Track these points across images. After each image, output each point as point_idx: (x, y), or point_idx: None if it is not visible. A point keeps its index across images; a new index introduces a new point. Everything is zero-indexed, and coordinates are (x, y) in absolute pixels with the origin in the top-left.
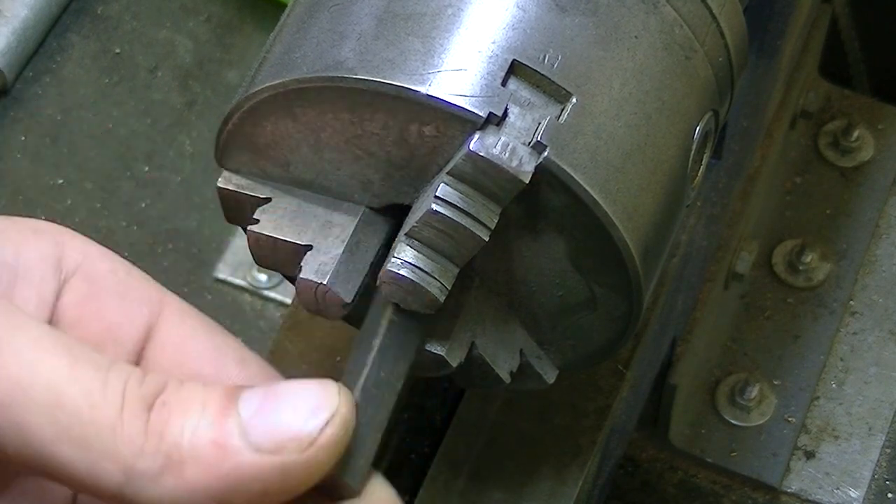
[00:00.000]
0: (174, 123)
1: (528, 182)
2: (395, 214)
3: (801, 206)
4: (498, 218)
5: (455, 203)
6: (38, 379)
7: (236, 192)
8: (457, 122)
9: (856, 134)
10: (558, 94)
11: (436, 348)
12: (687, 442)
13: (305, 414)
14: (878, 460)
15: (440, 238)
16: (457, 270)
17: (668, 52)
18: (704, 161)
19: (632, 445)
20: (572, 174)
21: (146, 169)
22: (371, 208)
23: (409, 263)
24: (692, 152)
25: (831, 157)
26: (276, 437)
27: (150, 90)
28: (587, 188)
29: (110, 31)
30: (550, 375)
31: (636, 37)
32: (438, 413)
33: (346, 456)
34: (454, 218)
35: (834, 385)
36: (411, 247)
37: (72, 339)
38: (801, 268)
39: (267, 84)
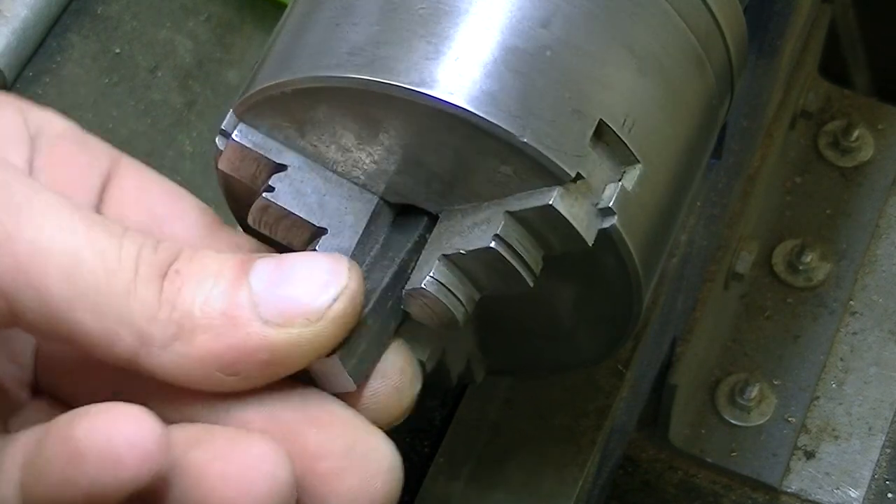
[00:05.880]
0: (174, 123)
1: (591, 245)
2: (403, 208)
3: (801, 206)
4: (542, 264)
5: (512, 245)
6: (57, 244)
7: (252, 150)
8: (543, 172)
9: (856, 134)
10: (627, 159)
11: (417, 354)
12: (687, 442)
13: (316, 288)
14: (878, 460)
15: (481, 269)
16: (479, 297)
17: (703, 112)
18: None
19: (632, 445)
20: (629, 245)
21: None
22: (385, 200)
23: (442, 284)
24: None
25: (831, 157)
26: (285, 311)
27: (150, 90)
28: (636, 259)
29: (110, 31)
30: (479, 375)
31: (688, 103)
32: (438, 413)
33: (352, 350)
34: (508, 258)
35: (834, 385)
36: (447, 268)
37: (84, 207)
38: (801, 268)
39: (352, 76)
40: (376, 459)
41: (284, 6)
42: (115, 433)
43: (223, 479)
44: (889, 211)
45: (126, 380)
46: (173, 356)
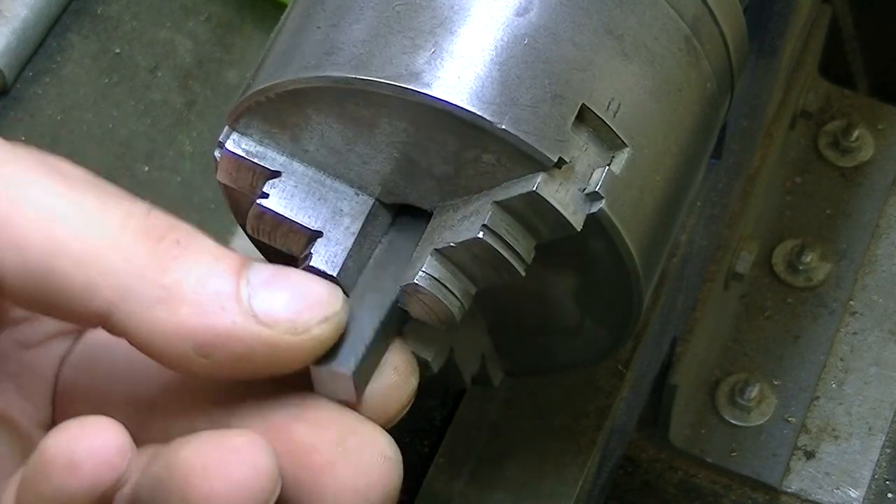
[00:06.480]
0: (174, 123)
1: (579, 230)
2: (399, 208)
3: (801, 206)
4: (534, 253)
5: (500, 234)
6: (35, 198)
7: (245, 158)
8: (524, 159)
9: (856, 134)
10: (614, 144)
11: (422, 353)
12: (687, 442)
13: (309, 303)
14: (878, 460)
15: (472, 261)
16: (475, 290)
17: (700, 105)
18: None
19: (632, 445)
20: (620, 228)
21: (146, 169)
22: (380, 201)
23: (435, 279)
24: None
25: (831, 157)
26: (276, 313)
27: (150, 90)
28: (629, 244)
29: (110, 31)
30: (496, 378)
31: (680, 90)
32: (438, 413)
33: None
34: (498, 249)
35: (834, 385)
36: (439, 263)
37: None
38: (801, 268)
39: (329, 75)
40: (369, 451)
41: (284, 6)
42: (77, 442)
43: (205, 470)
44: (889, 211)
45: (137, 412)
46: (153, 319)
